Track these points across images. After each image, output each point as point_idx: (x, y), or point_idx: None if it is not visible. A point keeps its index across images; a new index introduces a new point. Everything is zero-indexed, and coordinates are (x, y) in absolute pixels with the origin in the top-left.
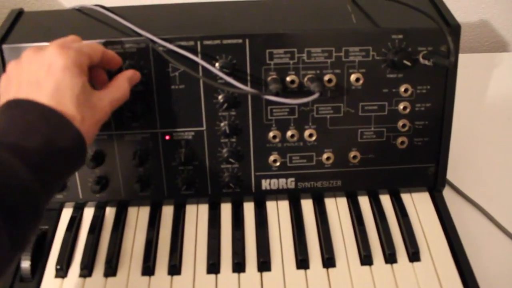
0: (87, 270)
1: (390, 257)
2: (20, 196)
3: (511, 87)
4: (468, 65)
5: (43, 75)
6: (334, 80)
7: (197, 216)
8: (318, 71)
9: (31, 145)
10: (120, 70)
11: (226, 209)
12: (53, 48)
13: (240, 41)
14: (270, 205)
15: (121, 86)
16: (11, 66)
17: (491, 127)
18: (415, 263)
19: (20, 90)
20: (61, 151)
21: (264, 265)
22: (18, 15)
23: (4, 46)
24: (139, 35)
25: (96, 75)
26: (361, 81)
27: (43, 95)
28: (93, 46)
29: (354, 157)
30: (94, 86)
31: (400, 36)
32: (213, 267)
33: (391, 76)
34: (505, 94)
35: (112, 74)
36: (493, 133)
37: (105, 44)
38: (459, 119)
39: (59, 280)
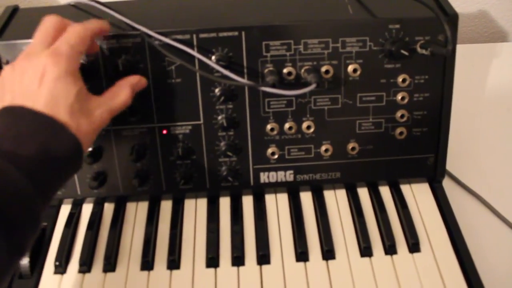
0: (86, 266)
1: (390, 249)
2: (16, 203)
3: (510, 77)
4: (467, 56)
5: (37, 84)
6: (331, 71)
7: (195, 210)
8: (315, 63)
9: (26, 151)
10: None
11: (224, 203)
12: (46, 57)
13: (236, 33)
14: (269, 198)
15: (121, 93)
16: (5, 73)
17: (490, 117)
18: (415, 254)
19: (14, 98)
20: (57, 157)
21: (263, 258)
22: (13, 11)
23: (0, 43)
24: (135, 29)
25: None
26: (358, 72)
27: (37, 104)
28: (80, 34)
29: (353, 148)
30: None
31: (397, 26)
32: (212, 261)
33: (388, 67)
34: (504, 85)
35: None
36: (492, 123)
37: (101, 39)
38: (459, 110)
39: (58, 276)
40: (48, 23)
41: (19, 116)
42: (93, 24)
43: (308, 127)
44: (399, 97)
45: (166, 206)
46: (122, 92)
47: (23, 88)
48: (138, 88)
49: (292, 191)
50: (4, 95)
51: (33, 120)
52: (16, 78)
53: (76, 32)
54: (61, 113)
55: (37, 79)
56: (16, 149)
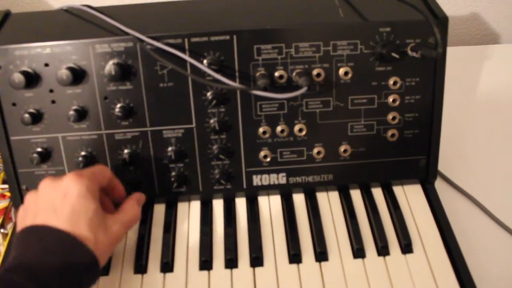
0: None
1: (382, 250)
2: None
3: (502, 79)
4: (459, 58)
5: (60, 202)
6: (323, 74)
7: (189, 213)
8: (306, 66)
9: (46, 267)
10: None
11: (218, 206)
12: (69, 177)
13: (227, 37)
14: (262, 201)
15: (132, 209)
16: (28, 197)
17: (482, 119)
18: (408, 255)
19: (36, 217)
20: (75, 271)
21: (256, 260)
22: (5, 16)
23: None
24: (127, 34)
25: (104, 201)
26: (349, 75)
27: (59, 221)
28: (103, 171)
29: (345, 151)
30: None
31: (388, 29)
32: (206, 263)
33: (379, 69)
34: (496, 86)
35: None
36: (484, 125)
37: (93, 44)
38: (451, 112)
39: None
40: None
41: (42, 233)
42: (113, 175)
43: (300, 130)
44: (390, 99)
45: (159, 209)
46: (133, 209)
47: (46, 205)
48: (141, 203)
49: (285, 193)
50: (27, 216)
51: (55, 237)
52: (39, 199)
53: (98, 166)
54: (82, 227)
55: (60, 196)
56: (37, 266)
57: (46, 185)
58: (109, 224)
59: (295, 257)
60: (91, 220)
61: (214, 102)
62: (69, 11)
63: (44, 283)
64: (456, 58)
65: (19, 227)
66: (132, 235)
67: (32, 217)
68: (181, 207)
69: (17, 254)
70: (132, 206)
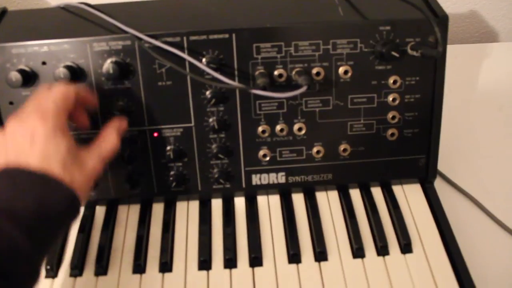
0: (77, 269)
1: (382, 249)
2: (15, 259)
3: (501, 77)
4: (458, 56)
5: (28, 145)
6: (322, 73)
7: (187, 212)
8: (306, 65)
9: (23, 208)
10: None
11: (216, 205)
12: (33, 118)
13: (226, 36)
14: (261, 200)
15: (109, 138)
16: None
17: (482, 117)
18: (407, 255)
19: (8, 161)
20: (53, 211)
21: (255, 260)
22: (1, 14)
23: None
24: (125, 32)
25: (76, 116)
26: (349, 74)
27: (31, 162)
28: (64, 93)
29: (344, 150)
30: (79, 128)
31: (388, 28)
32: (205, 263)
33: (379, 68)
34: (495, 84)
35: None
36: (484, 123)
37: (91, 42)
38: (450, 110)
39: (49, 280)
40: (37, 92)
41: (14, 176)
42: (78, 88)
43: (300, 129)
44: (390, 98)
45: (158, 209)
46: (109, 138)
47: (15, 149)
48: (121, 130)
49: (284, 193)
50: None
51: (28, 178)
52: (8, 141)
53: (60, 90)
54: (55, 168)
55: (28, 139)
56: (13, 207)
57: (12, 127)
58: (84, 160)
59: (294, 257)
60: (64, 159)
61: (213, 101)
62: (67, 9)
63: (23, 223)
64: (455, 56)
65: None
66: (131, 235)
67: (4, 160)
68: (180, 206)
69: None
70: (110, 135)
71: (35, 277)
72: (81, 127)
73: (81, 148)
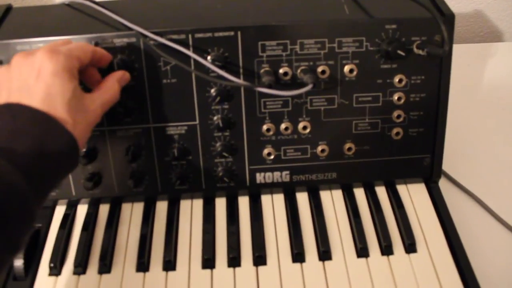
0: (81, 267)
1: (386, 249)
2: (10, 198)
3: (506, 77)
4: (462, 56)
5: (33, 80)
6: (328, 72)
7: (191, 211)
8: (311, 63)
9: (22, 147)
10: (110, 68)
11: (220, 204)
12: (42, 53)
13: (232, 33)
14: (265, 199)
15: (111, 87)
16: (1, 73)
17: (486, 117)
18: (412, 255)
19: (10, 96)
20: (53, 154)
21: (259, 259)
22: (6, 11)
23: None
24: (130, 29)
25: (89, 74)
26: (354, 72)
27: (34, 100)
28: (83, 46)
29: (349, 149)
30: (87, 85)
31: (394, 26)
32: (208, 262)
33: (385, 67)
34: (500, 84)
35: (103, 71)
36: (488, 123)
37: (96, 40)
38: (454, 110)
39: (53, 278)
40: (58, 41)
41: (15, 112)
42: (96, 48)
43: (304, 128)
44: (395, 97)
45: (161, 207)
46: (111, 87)
47: (19, 84)
48: (123, 83)
49: (288, 191)
50: (0, 94)
51: (29, 116)
52: (13, 75)
53: (77, 43)
54: (59, 109)
55: (34, 74)
56: (11, 145)
57: (18, 61)
58: (87, 106)
59: (298, 256)
60: (69, 101)
61: (218, 99)
62: (71, 6)
63: (19, 163)
64: (460, 55)
65: None
66: (135, 233)
67: (6, 95)
68: (184, 204)
69: None
70: (112, 84)
71: (29, 219)
72: (92, 83)
73: (84, 93)
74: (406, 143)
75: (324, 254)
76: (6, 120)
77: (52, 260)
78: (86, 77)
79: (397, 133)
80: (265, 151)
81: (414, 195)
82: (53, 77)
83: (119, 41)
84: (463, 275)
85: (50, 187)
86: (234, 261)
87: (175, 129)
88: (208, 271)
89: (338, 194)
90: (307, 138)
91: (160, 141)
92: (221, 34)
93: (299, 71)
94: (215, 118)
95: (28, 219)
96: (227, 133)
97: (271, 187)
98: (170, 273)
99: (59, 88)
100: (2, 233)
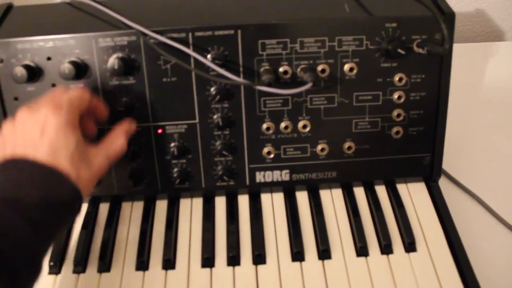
0: (80, 266)
1: (386, 248)
2: (19, 250)
3: (507, 77)
4: (464, 55)
5: (38, 136)
6: (328, 70)
7: (191, 210)
8: (311, 61)
9: (28, 199)
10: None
11: (220, 203)
12: (46, 109)
13: (232, 32)
14: (265, 198)
15: (117, 140)
16: (5, 128)
17: (487, 116)
18: (411, 254)
19: (15, 150)
20: (58, 205)
21: (259, 258)
22: (7, 9)
23: None
24: (130, 27)
25: (84, 123)
26: (355, 71)
27: (39, 154)
28: (82, 95)
29: (349, 147)
30: (84, 135)
31: (394, 25)
32: (208, 261)
33: (385, 65)
34: (501, 84)
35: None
36: (489, 122)
37: (96, 38)
38: (455, 109)
39: (52, 276)
40: (53, 90)
41: (21, 166)
42: (92, 95)
43: (304, 126)
44: (395, 96)
45: (161, 206)
46: (118, 140)
47: (24, 139)
48: (130, 133)
49: (288, 190)
50: (5, 148)
51: (35, 170)
52: (17, 130)
53: (76, 92)
54: (62, 162)
55: (38, 130)
56: (18, 197)
57: (23, 116)
58: (91, 157)
59: (298, 255)
60: (72, 155)
61: (217, 97)
62: (72, 4)
63: (26, 214)
64: (461, 55)
65: None
66: (134, 231)
67: (11, 150)
68: (184, 203)
69: None
70: (118, 136)
71: (36, 269)
72: (87, 135)
73: (89, 146)
74: (406, 142)
75: (324, 253)
76: (12, 172)
77: (52, 258)
78: (82, 126)
79: (397, 132)
80: (265, 150)
81: (414, 194)
82: (57, 132)
83: (119, 40)
84: (463, 274)
85: (54, 236)
86: (233, 260)
87: (175, 127)
88: (207, 270)
89: (338, 193)
90: (307, 137)
91: (160, 140)
92: (221, 32)
93: (299, 69)
94: (215, 116)
95: (35, 270)
96: (227, 132)
97: (271, 186)
98: (170, 272)
99: (63, 142)
100: (9, 283)
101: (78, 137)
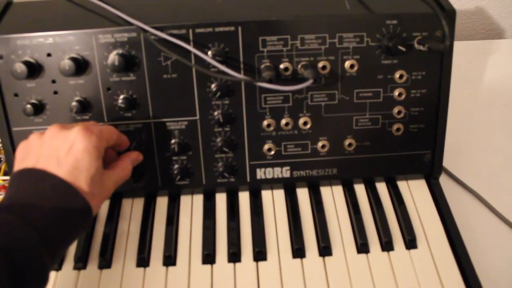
0: (81, 262)
1: (386, 245)
2: (29, 262)
3: (507, 74)
4: (464, 53)
5: (64, 153)
6: (328, 67)
7: (192, 206)
8: (312, 58)
9: (41, 211)
10: None
11: (221, 199)
12: (77, 130)
13: (232, 28)
14: (266, 195)
15: (125, 167)
16: (33, 137)
17: (487, 114)
18: (412, 251)
19: (38, 162)
20: (70, 219)
21: (259, 254)
22: (6, 5)
23: None
24: (130, 24)
25: (108, 153)
26: (355, 68)
27: (61, 171)
28: (111, 131)
29: (350, 144)
30: (104, 163)
31: (395, 22)
32: (209, 257)
33: (386, 62)
34: (501, 81)
35: None
36: (489, 120)
37: (96, 34)
38: (456, 106)
39: (53, 273)
40: (90, 122)
41: (39, 177)
42: (120, 134)
43: (305, 123)
44: (396, 93)
45: (162, 202)
46: (126, 167)
47: (49, 153)
48: (136, 163)
49: (289, 187)
50: (28, 158)
51: (52, 183)
52: (45, 143)
53: (107, 127)
54: (82, 182)
55: (66, 147)
56: (32, 207)
57: (53, 132)
58: (104, 180)
59: (298, 251)
60: (92, 177)
61: (218, 94)
62: (72, 0)
63: (37, 225)
64: (461, 53)
65: (18, 166)
66: (135, 228)
67: (34, 161)
68: (184, 200)
69: (12, 193)
70: (127, 164)
71: (42, 280)
72: (108, 163)
73: (104, 170)
74: (406, 139)
75: (325, 249)
76: (29, 183)
77: None
78: (105, 156)
79: (398, 129)
80: (266, 147)
81: (415, 191)
82: (83, 153)
83: (119, 36)
84: (464, 271)
85: (62, 249)
86: (234, 256)
87: (176, 124)
88: (208, 266)
89: (338, 190)
90: (307, 133)
91: (161, 136)
92: (221, 29)
93: (299, 66)
94: (215, 113)
95: (41, 279)
96: (227, 129)
97: (272, 183)
98: (170, 268)
99: (87, 164)
100: None
101: (100, 162)
